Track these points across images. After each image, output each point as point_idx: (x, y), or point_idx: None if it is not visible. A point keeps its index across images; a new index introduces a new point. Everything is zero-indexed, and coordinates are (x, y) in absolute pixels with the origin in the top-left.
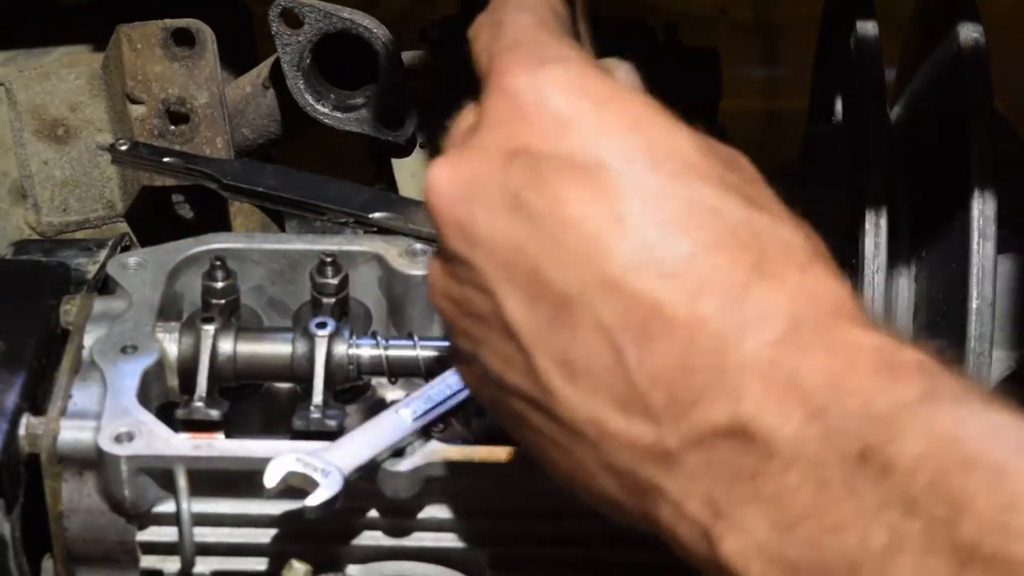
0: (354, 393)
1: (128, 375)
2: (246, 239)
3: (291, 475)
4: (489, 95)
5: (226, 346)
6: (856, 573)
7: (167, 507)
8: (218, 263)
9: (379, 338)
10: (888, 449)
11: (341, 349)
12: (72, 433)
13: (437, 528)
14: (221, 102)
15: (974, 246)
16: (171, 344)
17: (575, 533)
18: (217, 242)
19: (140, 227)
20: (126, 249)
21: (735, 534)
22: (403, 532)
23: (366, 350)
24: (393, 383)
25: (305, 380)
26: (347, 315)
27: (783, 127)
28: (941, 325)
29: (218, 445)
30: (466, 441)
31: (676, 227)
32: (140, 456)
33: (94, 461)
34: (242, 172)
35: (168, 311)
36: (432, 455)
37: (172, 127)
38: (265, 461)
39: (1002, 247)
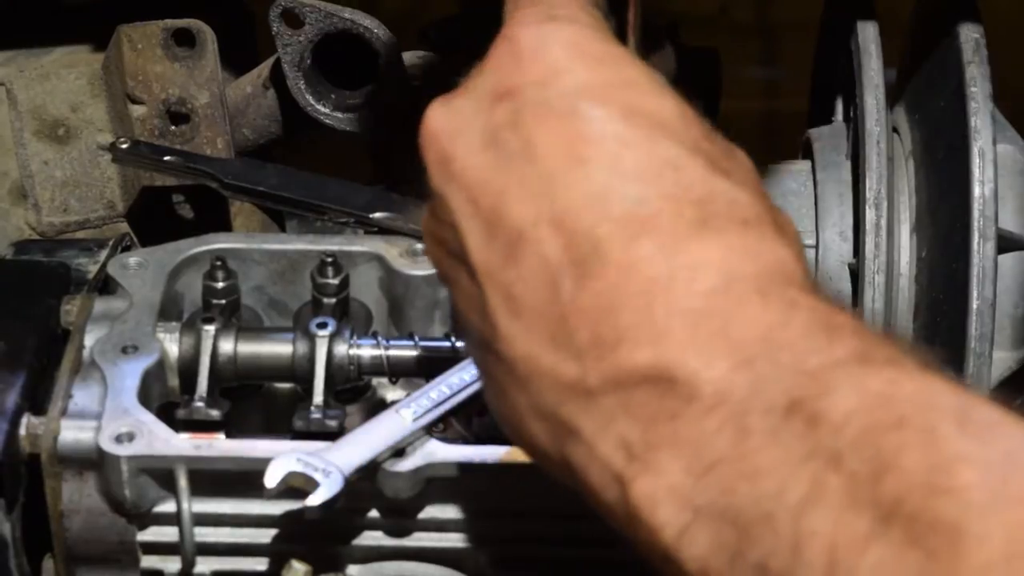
0: (354, 393)
1: (129, 375)
2: (247, 239)
3: (291, 475)
4: (495, 43)
5: (227, 346)
6: (770, 523)
7: (167, 507)
8: (219, 263)
9: (380, 338)
10: (817, 403)
11: (342, 349)
12: (72, 433)
13: (437, 528)
14: (222, 102)
15: (974, 246)
16: (172, 344)
17: (575, 533)
18: (218, 242)
19: (140, 227)
20: (127, 249)
21: (647, 476)
22: (403, 532)
23: (367, 350)
24: (393, 383)
25: (306, 380)
26: (347, 315)
27: (783, 127)
28: (941, 325)
29: (218, 445)
30: (466, 441)
31: (632, 175)
32: (140, 456)
33: (94, 461)
34: (243, 171)
35: (169, 311)
36: (432, 455)
37: (172, 127)
38: (265, 461)
39: (1002, 247)
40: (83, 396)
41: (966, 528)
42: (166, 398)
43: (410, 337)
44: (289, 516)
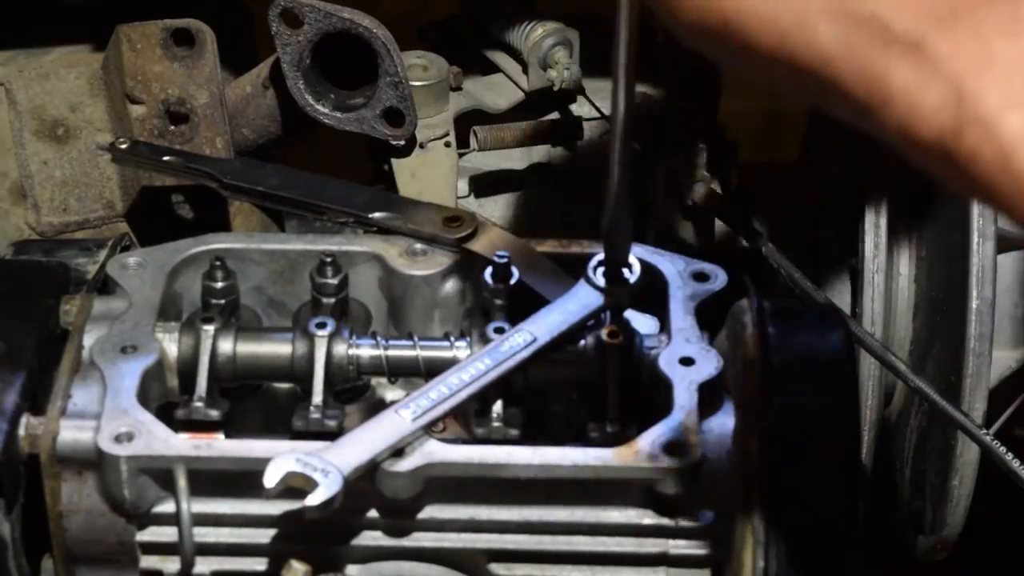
0: (354, 393)
1: (128, 375)
2: (246, 239)
3: (291, 475)
4: None
5: (226, 346)
6: None
7: (167, 507)
8: (218, 263)
9: (379, 338)
10: None
11: (341, 349)
12: (72, 433)
13: (436, 528)
14: (221, 102)
15: (974, 246)
16: (171, 344)
17: (575, 532)
18: (217, 242)
19: (140, 227)
20: (126, 249)
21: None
22: (402, 532)
23: (366, 350)
24: (393, 383)
25: (305, 380)
26: (347, 315)
27: (783, 127)
28: (941, 325)
29: (218, 445)
30: (466, 441)
31: None
32: (140, 456)
33: (94, 461)
34: (242, 171)
35: (168, 311)
36: (431, 455)
37: (172, 127)
38: (265, 461)
39: (1002, 247)
40: (82, 396)
41: None
42: (165, 398)
43: (409, 337)
44: (288, 516)
